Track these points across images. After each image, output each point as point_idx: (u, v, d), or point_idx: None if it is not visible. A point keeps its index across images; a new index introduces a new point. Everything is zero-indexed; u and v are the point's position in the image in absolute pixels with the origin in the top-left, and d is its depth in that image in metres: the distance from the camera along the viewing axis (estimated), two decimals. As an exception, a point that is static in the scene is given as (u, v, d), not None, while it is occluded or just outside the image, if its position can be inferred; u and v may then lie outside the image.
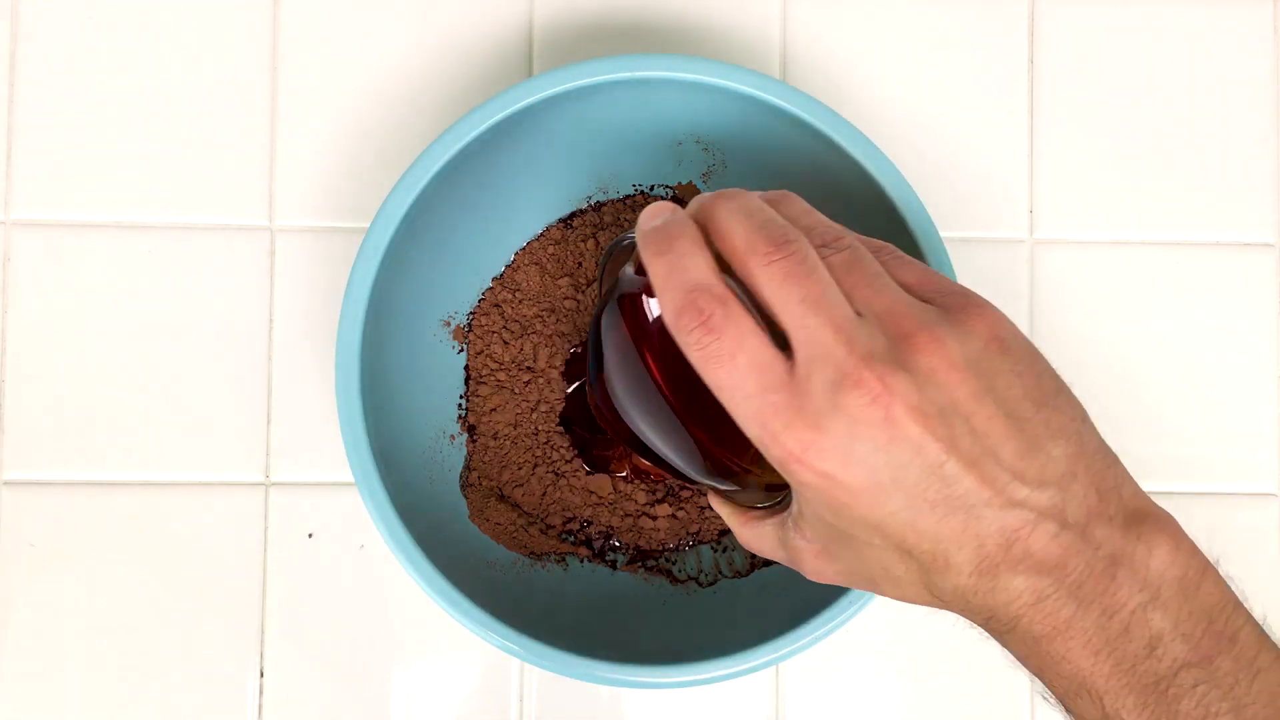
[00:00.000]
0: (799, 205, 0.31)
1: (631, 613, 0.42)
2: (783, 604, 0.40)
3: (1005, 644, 0.28)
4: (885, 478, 0.26)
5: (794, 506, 0.30)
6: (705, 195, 0.30)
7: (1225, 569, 0.47)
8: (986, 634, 0.29)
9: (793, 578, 0.42)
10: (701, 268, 0.28)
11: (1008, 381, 0.27)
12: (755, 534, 0.33)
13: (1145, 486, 0.46)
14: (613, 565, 0.44)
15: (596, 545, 0.44)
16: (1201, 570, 0.27)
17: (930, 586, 0.28)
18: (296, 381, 0.46)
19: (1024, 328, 0.47)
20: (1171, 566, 0.26)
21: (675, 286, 0.28)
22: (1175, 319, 0.47)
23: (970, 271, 0.46)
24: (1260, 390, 0.47)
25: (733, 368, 0.27)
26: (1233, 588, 0.27)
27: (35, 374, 0.46)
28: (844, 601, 0.37)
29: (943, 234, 0.38)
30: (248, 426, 0.46)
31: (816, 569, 0.31)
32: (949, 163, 0.47)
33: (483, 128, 0.37)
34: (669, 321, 0.28)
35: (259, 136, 0.46)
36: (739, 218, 0.28)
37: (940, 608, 0.29)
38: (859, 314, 0.27)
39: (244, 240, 0.46)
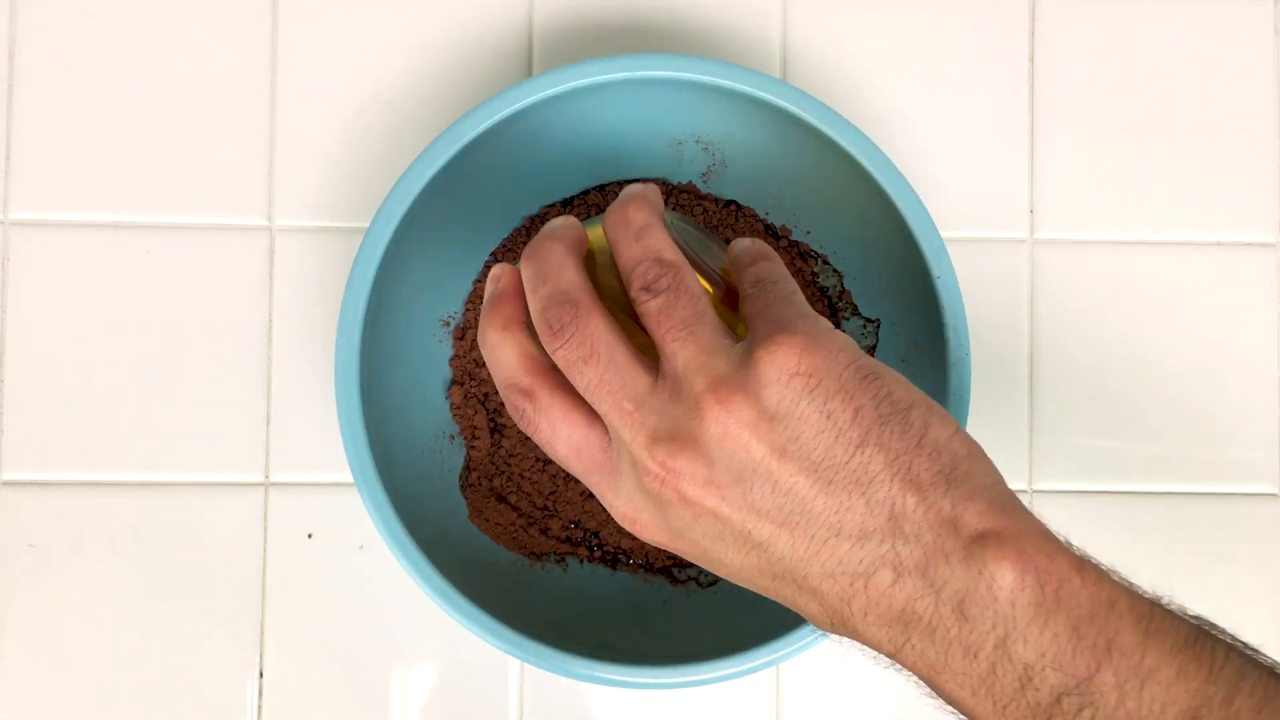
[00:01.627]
0: (637, 220, 0.30)
1: (631, 613, 0.42)
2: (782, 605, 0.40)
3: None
4: (709, 545, 0.26)
5: None
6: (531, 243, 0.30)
7: (1226, 569, 0.47)
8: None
9: None
10: (512, 361, 0.29)
11: (816, 426, 0.25)
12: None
13: (1145, 487, 0.47)
14: (612, 565, 0.44)
15: (593, 548, 0.44)
16: (1058, 581, 0.24)
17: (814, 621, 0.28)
18: (296, 381, 0.46)
19: (1024, 327, 0.47)
20: (1020, 590, 0.24)
21: (498, 380, 0.30)
22: (1175, 319, 0.47)
23: (970, 271, 0.46)
24: (1260, 390, 0.47)
25: (556, 452, 0.29)
26: (1108, 576, 0.25)
27: (35, 374, 0.46)
28: None
29: (943, 234, 0.38)
30: (247, 427, 0.45)
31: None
32: (949, 163, 0.47)
33: (482, 128, 0.37)
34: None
35: (258, 136, 0.46)
36: (531, 290, 0.29)
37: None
38: (661, 375, 0.27)
39: (243, 240, 0.46)
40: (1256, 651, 0.26)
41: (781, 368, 0.25)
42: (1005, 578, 0.24)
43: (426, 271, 0.42)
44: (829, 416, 0.25)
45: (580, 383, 0.27)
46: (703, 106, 0.40)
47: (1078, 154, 0.47)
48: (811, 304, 0.44)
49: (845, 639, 0.28)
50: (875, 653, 0.27)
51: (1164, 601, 0.25)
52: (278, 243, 0.46)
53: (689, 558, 0.28)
